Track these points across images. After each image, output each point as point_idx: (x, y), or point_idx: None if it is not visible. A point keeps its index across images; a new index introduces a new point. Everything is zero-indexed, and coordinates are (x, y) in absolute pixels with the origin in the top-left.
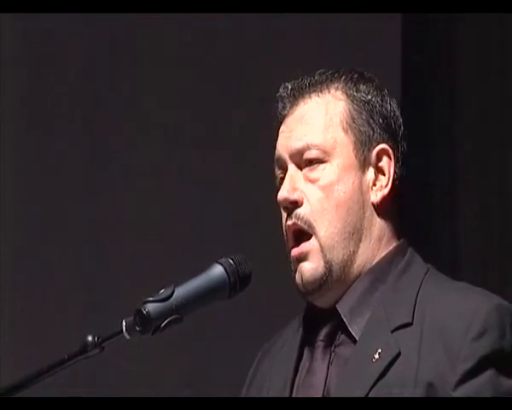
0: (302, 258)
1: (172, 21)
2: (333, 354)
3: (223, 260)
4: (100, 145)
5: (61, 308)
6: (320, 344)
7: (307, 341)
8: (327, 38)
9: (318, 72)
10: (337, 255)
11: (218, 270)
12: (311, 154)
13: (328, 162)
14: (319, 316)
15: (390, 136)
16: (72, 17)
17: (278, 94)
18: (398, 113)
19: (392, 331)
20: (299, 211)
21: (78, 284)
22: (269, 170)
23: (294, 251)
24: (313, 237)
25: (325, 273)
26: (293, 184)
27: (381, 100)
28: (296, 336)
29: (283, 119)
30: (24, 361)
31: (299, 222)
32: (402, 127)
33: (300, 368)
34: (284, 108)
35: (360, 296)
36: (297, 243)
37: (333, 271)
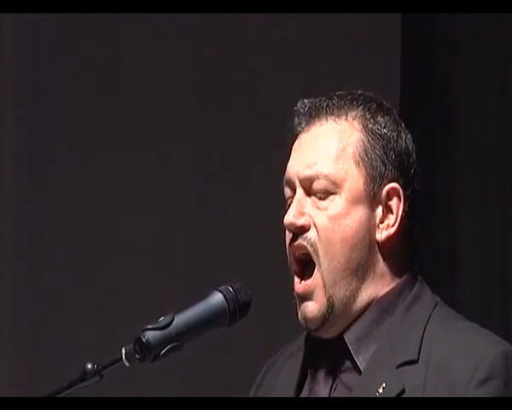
0: (306, 296)
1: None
2: (336, 380)
3: (222, 287)
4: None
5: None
6: (324, 368)
7: (311, 361)
8: (326, 39)
9: (338, 94)
10: (339, 292)
11: (217, 298)
12: (320, 183)
13: (337, 194)
14: (325, 339)
15: (402, 173)
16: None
17: (295, 108)
18: (412, 149)
19: (398, 367)
20: (305, 235)
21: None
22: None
23: (299, 288)
24: (316, 271)
25: (327, 311)
26: (301, 209)
27: (397, 135)
28: (300, 355)
29: (298, 135)
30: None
31: (305, 243)
32: (415, 165)
33: (303, 390)
34: (300, 124)
35: (367, 327)
36: (300, 273)
37: (335, 307)
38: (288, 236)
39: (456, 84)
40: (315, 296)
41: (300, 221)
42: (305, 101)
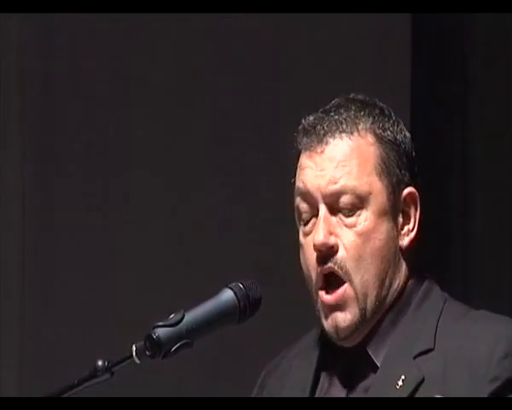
0: (337, 307)
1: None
2: (354, 382)
3: (233, 284)
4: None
5: None
6: (339, 370)
7: (324, 365)
8: (337, 39)
9: (342, 107)
10: (371, 302)
11: (227, 294)
12: (346, 199)
13: (363, 208)
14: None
15: (412, 174)
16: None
17: (301, 126)
18: (412, 147)
19: (415, 358)
20: (335, 257)
21: None
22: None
23: (328, 298)
24: (347, 284)
25: (360, 322)
26: (329, 228)
27: (403, 136)
28: (311, 359)
29: (306, 153)
30: None
31: (335, 267)
32: (417, 162)
33: (317, 392)
34: (309, 143)
35: (384, 329)
36: (328, 287)
37: (366, 317)
38: (313, 253)
39: (468, 86)
40: (347, 307)
41: (331, 241)
42: (312, 118)
